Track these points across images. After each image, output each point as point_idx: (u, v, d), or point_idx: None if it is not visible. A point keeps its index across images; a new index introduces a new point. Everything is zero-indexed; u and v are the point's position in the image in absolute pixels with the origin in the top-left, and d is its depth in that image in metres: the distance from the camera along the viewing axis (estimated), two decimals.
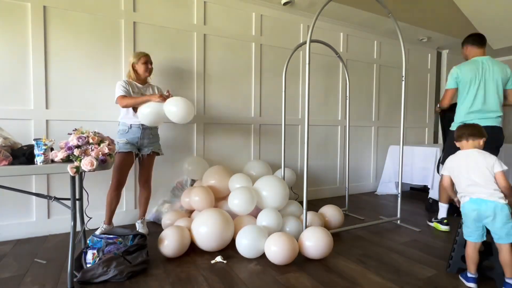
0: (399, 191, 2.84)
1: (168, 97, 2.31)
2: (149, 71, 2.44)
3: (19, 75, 2.40)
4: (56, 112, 2.50)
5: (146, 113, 2.26)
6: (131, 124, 2.36)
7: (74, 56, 2.56)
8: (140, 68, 2.40)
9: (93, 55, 2.62)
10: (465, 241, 1.76)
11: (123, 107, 2.28)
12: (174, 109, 2.25)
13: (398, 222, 2.86)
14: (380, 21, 3.85)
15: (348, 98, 3.26)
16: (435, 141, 5.26)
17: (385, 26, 4.00)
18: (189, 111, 2.30)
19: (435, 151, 3.62)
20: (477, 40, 2.58)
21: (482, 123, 2.33)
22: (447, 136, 2.79)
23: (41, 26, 2.43)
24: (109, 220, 2.40)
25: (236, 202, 2.30)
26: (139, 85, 2.44)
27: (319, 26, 3.75)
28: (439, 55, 5.17)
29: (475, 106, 2.48)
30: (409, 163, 3.89)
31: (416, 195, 4.13)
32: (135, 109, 2.34)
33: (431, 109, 5.05)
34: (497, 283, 1.71)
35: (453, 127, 2.60)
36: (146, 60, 2.41)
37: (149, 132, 2.42)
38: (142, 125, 2.37)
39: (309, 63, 2.22)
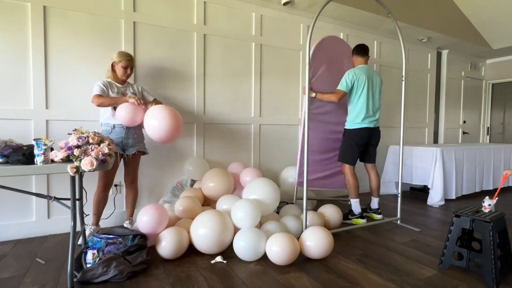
0: (399, 191, 2.84)
1: (142, 104, 2.27)
2: (126, 76, 2.38)
3: (19, 75, 2.40)
4: (56, 112, 2.50)
5: (121, 115, 2.23)
6: (114, 125, 2.32)
7: (74, 56, 2.56)
8: (119, 70, 2.35)
9: (93, 55, 2.62)
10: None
11: (97, 105, 2.21)
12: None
13: (398, 222, 2.86)
14: (380, 21, 3.85)
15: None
16: (435, 141, 5.26)
17: (385, 26, 4.01)
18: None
19: (435, 151, 3.62)
20: (362, 50, 2.82)
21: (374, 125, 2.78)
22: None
23: (41, 26, 2.43)
24: (97, 221, 2.41)
25: (240, 215, 2.14)
26: (118, 84, 2.38)
27: (319, 26, 3.75)
28: (439, 55, 5.17)
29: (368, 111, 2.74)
30: (409, 163, 3.89)
31: (416, 195, 4.13)
32: (114, 109, 2.30)
33: (431, 109, 5.05)
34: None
35: (352, 126, 2.79)
36: (127, 65, 2.35)
37: (133, 131, 2.37)
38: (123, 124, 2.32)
39: (309, 63, 2.22)
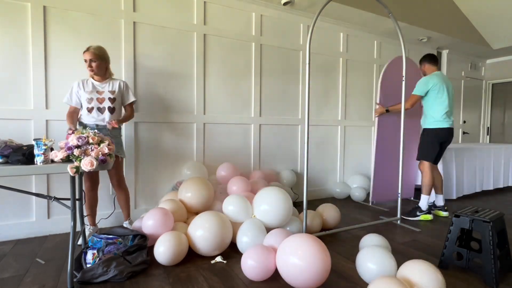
0: (399, 191, 2.84)
1: (113, 126, 2.17)
2: (91, 70, 2.23)
3: (19, 75, 2.40)
4: (56, 112, 2.51)
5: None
6: (86, 124, 2.28)
7: (74, 56, 2.56)
8: (86, 65, 2.24)
9: None
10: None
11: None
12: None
13: (398, 222, 2.86)
14: (380, 21, 3.85)
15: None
16: None
17: (385, 26, 4.00)
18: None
19: None
20: (434, 58, 3.06)
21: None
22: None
23: (41, 26, 2.43)
24: (93, 221, 2.42)
25: (231, 208, 2.22)
26: (96, 82, 2.30)
27: (319, 26, 3.75)
28: (439, 55, 5.17)
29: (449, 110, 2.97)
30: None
31: (416, 195, 4.12)
32: (89, 109, 2.26)
33: None
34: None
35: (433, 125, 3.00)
36: (85, 58, 2.20)
37: (105, 132, 2.26)
38: (97, 125, 2.28)
39: (309, 63, 2.22)
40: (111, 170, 2.38)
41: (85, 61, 2.23)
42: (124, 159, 2.47)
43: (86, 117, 2.28)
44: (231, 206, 2.22)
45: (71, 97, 2.28)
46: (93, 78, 2.32)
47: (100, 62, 2.25)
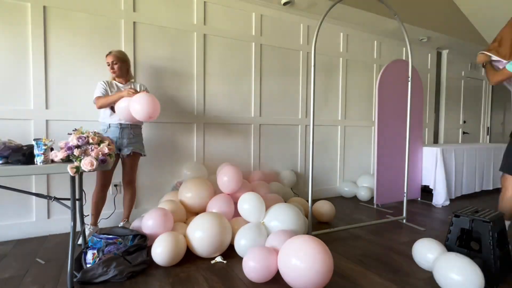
0: (405, 191, 2.83)
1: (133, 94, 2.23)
2: (113, 72, 2.35)
3: (19, 75, 2.40)
4: (56, 112, 2.50)
5: (122, 107, 2.19)
6: (109, 124, 2.32)
7: (74, 56, 2.56)
8: (108, 68, 2.36)
9: (93, 55, 2.62)
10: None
11: (99, 108, 2.26)
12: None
13: (404, 221, 2.86)
14: (380, 21, 3.85)
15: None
16: (435, 141, 5.26)
17: (385, 26, 4.00)
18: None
19: (436, 152, 3.62)
20: None
21: None
22: None
23: (41, 26, 2.43)
24: (95, 221, 2.40)
25: (246, 207, 2.17)
26: (119, 84, 2.39)
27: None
28: (439, 55, 5.17)
29: None
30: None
31: (423, 196, 4.12)
32: (112, 108, 2.30)
33: (431, 109, 5.05)
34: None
35: None
36: (108, 61, 2.33)
37: (128, 131, 2.35)
38: (121, 124, 2.32)
39: (314, 66, 2.21)
40: (126, 167, 2.42)
41: (108, 64, 2.34)
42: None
43: (110, 117, 2.31)
44: (246, 204, 2.16)
45: (105, 90, 2.31)
46: (115, 80, 2.40)
47: (121, 64, 2.35)
